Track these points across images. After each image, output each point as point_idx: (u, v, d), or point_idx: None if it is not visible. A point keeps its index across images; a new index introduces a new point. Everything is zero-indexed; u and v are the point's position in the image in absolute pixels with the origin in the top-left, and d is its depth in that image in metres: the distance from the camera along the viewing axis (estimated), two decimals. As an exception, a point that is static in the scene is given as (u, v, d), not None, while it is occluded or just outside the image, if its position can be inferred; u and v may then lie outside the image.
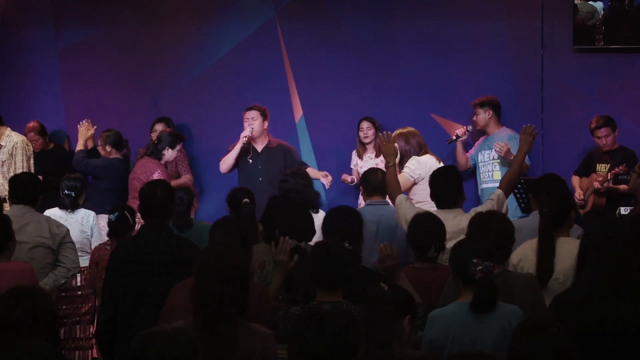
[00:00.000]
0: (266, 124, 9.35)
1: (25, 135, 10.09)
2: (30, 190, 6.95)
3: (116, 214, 7.16)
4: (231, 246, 4.39)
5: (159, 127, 10.03)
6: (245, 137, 9.18)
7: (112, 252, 5.70)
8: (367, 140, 9.62)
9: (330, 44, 10.25)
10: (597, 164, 9.02)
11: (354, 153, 9.87)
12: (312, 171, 9.21)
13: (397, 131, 8.36)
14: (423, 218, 5.72)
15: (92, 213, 8.12)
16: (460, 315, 4.55)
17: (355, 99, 10.13)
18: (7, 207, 7.79)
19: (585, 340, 4.11)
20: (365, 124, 9.70)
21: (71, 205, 8.06)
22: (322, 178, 9.15)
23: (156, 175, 8.87)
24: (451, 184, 6.38)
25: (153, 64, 10.66)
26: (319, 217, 7.45)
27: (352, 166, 9.86)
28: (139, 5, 10.69)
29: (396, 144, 7.17)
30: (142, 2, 10.70)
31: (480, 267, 4.54)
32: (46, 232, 6.86)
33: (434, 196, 6.44)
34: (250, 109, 9.36)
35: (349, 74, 10.20)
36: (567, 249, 5.48)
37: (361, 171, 9.26)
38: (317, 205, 7.54)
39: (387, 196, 7.06)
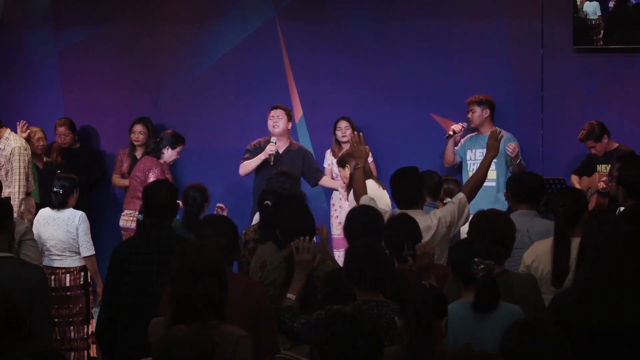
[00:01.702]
0: (290, 124, 9.35)
1: (55, 128, 10.11)
2: None
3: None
4: (205, 246, 4.37)
5: (138, 127, 10.05)
6: (270, 153, 9.13)
7: (114, 252, 5.68)
8: (344, 139, 9.63)
9: (330, 44, 10.25)
10: (598, 165, 9.02)
11: (329, 152, 9.86)
12: (326, 180, 9.25)
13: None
14: (397, 219, 5.72)
15: (79, 213, 8.04)
16: (462, 315, 4.54)
17: (355, 99, 10.14)
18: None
19: (583, 340, 4.12)
20: (343, 124, 9.72)
21: (59, 204, 7.99)
22: (340, 189, 9.20)
23: (151, 174, 8.88)
24: (412, 185, 6.36)
25: (153, 64, 10.67)
26: None
27: (326, 165, 9.84)
28: (139, 6, 10.70)
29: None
30: (142, 2, 10.71)
31: (481, 267, 4.53)
32: None
33: (395, 196, 6.45)
34: (275, 107, 9.37)
35: (348, 74, 10.21)
36: (581, 249, 5.45)
37: (337, 171, 9.29)
38: None
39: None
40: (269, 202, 6.71)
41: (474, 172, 9.26)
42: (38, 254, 6.87)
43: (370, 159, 9.51)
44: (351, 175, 7.21)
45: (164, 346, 3.56)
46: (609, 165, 8.87)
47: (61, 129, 10.18)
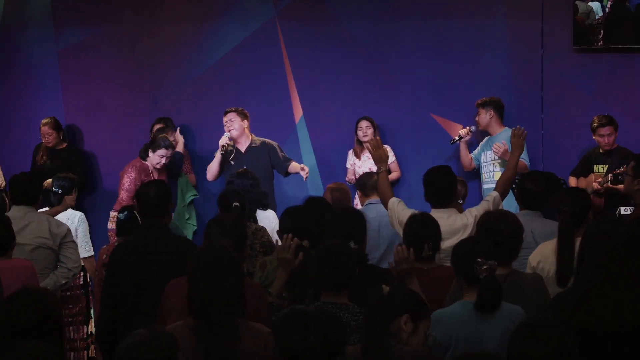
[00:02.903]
0: (246, 123, 9.40)
1: (40, 129, 10.11)
2: (29, 190, 6.91)
3: (125, 213, 7.11)
4: (222, 248, 4.41)
5: (158, 127, 10.04)
6: (223, 145, 9.25)
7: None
8: (366, 139, 9.64)
9: (331, 44, 10.25)
10: (595, 165, 9.03)
11: (351, 152, 9.88)
12: (292, 165, 9.27)
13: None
14: (418, 218, 5.72)
15: (78, 214, 8.06)
16: (464, 315, 4.55)
17: (355, 99, 10.13)
18: None
19: (583, 340, 4.11)
20: (364, 123, 9.73)
21: (57, 204, 8.01)
22: (300, 171, 9.21)
23: (126, 177, 8.95)
24: (445, 184, 6.35)
25: (153, 64, 10.66)
26: (267, 216, 7.54)
27: (348, 166, 9.85)
28: (139, 6, 10.69)
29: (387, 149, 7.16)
30: (142, 3, 10.70)
31: (484, 267, 4.52)
32: (46, 232, 6.81)
33: (428, 195, 6.43)
34: (226, 112, 9.45)
35: (349, 74, 10.20)
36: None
37: (359, 170, 9.30)
38: (266, 205, 7.77)
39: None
40: (237, 204, 6.72)
41: (485, 174, 9.31)
42: (78, 256, 7.00)
43: (392, 159, 9.53)
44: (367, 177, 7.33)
45: (124, 349, 3.56)
46: (606, 166, 8.87)
47: (44, 129, 10.15)
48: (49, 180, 9.04)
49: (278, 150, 9.41)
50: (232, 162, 9.23)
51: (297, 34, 10.36)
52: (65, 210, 8.18)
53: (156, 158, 9.19)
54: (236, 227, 5.13)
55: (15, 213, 6.79)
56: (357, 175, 9.50)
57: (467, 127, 9.53)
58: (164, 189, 5.71)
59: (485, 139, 9.58)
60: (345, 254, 4.91)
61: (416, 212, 6.08)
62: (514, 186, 7.44)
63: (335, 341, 3.67)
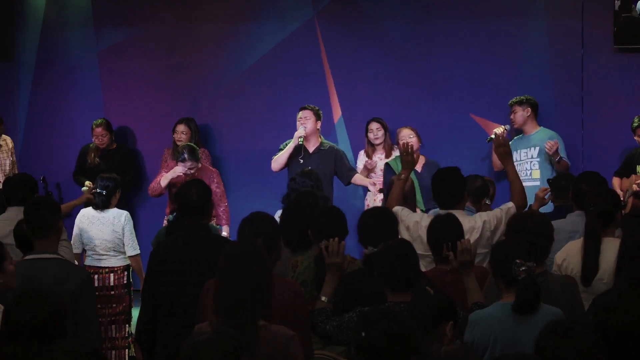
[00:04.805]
0: (319, 124, 9.34)
1: (92, 130, 10.20)
2: (23, 190, 6.77)
3: (175, 214, 7.13)
4: (251, 250, 4.39)
5: (181, 127, 10.07)
6: (300, 136, 9.17)
7: (152, 252, 5.71)
8: (377, 142, 9.64)
9: (369, 45, 10.24)
10: (638, 166, 8.96)
11: (362, 153, 9.82)
12: (360, 178, 9.22)
13: None
14: (442, 219, 5.68)
15: (124, 213, 8.09)
16: (503, 317, 4.53)
17: (393, 100, 10.12)
18: None
19: (621, 342, 4.10)
20: (374, 125, 9.70)
21: (102, 205, 8.02)
22: (370, 186, 9.16)
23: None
24: (454, 185, 6.31)
25: (192, 64, 10.72)
26: None
27: (359, 165, 9.75)
28: (178, 6, 10.75)
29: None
30: (181, 3, 10.76)
31: (523, 268, 4.51)
32: None
33: (436, 196, 6.41)
34: (303, 108, 9.35)
35: (387, 75, 10.19)
36: (612, 249, 5.37)
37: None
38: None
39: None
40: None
41: (519, 173, 9.24)
42: (72, 254, 6.87)
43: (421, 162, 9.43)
44: (391, 181, 7.26)
45: (189, 348, 3.57)
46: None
47: (98, 130, 10.21)
48: (88, 183, 9.11)
49: (345, 158, 9.40)
50: (301, 161, 9.19)
51: (336, 35, 10.37)
52: (81, 203, 8.19)
53: (179, 169, 9.17)
54: (269, 226, 5.07)
55: (10, 214, 6.71)
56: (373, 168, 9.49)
57: (503, 126, 9.50)
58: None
59: (517, 137, 9.54)
60: (412, 253, 4.89)
61: (442, 212, 6.07)
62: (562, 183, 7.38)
63: (414, 337, 3.65)
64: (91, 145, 10.32)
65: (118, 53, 10.90)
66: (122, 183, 8.84)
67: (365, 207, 9.60)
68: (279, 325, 4.30)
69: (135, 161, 10.65)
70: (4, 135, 9.90)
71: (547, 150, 9.10)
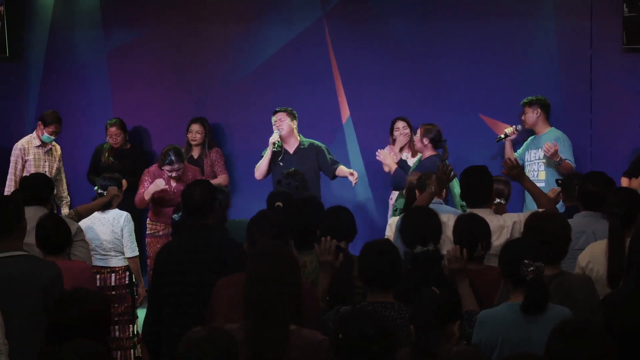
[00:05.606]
0: (295, 123, 9.39)
1: (107, 129, 10.21)
2: (40, 190, 6.86)
3: (180, 213, 7.12)
4: (281, 251, 4.36)
5: (195, 127, 10.11)
6: (275, 141, 9.23)
7: (157, 253, 5.73)
8: (404, 141, 9.64)
9: (378, 45, 10.24)
10: (648, 165, 8.95)
11: (388, 147, 9.77)
12: (340, 169, 9.24)
13: None
14: (468, 218, 5.68)
15: (124, 214, 8.07)
16: (511, 317, 4.51)
17: (402, 100, 10.12)
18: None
19: (628, 341, 4.09)
20: (400, 124, 9.69)
21: (103, 205, 8.07)
22: (349, 176, 9.17)
23: (140, 186, 9.07)
24: (482, 184, 6.30)
25: (200, 64, 10.73)
26: None
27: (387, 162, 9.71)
28: (186, 6, 10.76)
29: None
30: (189, 3, 10.77)
31: (531, 268, 4.49)
32: None
33: (463, 194, 6.40)
34: (275, 112, 9.44)
35: (396, 75, 10.19)
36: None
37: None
38: None
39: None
40: (280, 204, 6.69)
41: (529, 173, 9.20)
42: (88, 255, 6.92)
43: None
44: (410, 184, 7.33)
45: (185, 347, 3.57)
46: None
47: (112, 129, 10.23)
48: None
49: (326, 152, 9.40)
50: (281, 163, 9.23)
51: (345, 35, 10.37)
52: (110, 199, 8.23)
53: (166, 172, 9.12)
54: (274, 225, 5.07)
55: (27, 214, 6.75)
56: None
57: (514, 126, 9.49)
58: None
59: (530, 138, 9.52)
60: (394, 252, 4.89)
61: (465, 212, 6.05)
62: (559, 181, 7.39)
63: (391, 337, 3.68)
64: (105, 145, 10.34)
65: (126, 53, 10.92)
66: (130, 184, 8.86)
67: (390, 206, 9.54)
68: (310, 330, 4.26)
69: (148, 162, 10.64)
70: (54, 142, 9.94)
71: (545, 152, 9.07)
